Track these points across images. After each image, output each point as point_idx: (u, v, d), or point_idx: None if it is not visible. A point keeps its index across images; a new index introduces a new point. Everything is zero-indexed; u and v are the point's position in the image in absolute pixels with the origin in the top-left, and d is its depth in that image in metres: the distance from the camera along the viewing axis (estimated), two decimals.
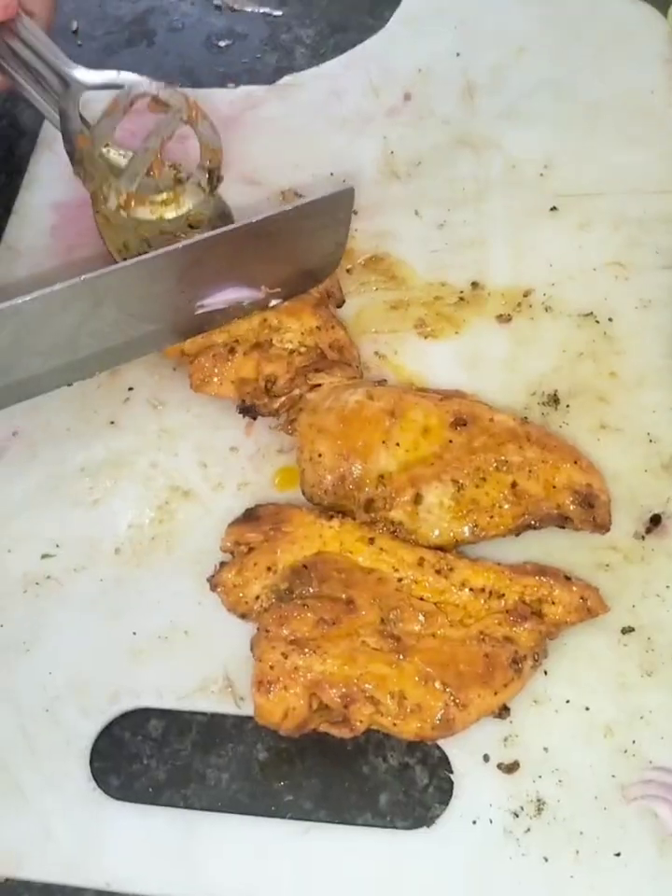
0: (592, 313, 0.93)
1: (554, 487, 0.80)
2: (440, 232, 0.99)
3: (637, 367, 0.89)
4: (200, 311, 0.87)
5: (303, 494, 0.83)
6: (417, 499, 0.79)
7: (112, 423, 0.92)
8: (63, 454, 0.90)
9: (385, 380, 0.90)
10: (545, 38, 1.11)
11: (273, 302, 0.89)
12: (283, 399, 0.86)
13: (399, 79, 1.10)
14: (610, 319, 0.92)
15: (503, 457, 0.80)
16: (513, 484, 0.79)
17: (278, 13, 1.23)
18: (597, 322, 0.92)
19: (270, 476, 0.88)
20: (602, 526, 0.79)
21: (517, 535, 0.80)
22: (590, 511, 0.79)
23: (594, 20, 1.11)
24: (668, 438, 0.85)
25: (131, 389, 0.93)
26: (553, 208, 0.99)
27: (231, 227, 0.82)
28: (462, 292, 0.95)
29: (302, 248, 0.88)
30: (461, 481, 0.79)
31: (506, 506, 0.79)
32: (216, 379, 0.87)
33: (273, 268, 0.86)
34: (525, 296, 0.94)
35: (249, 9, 1.23)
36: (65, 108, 0.89)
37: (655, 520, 0.82)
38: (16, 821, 0.75)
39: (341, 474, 0.80)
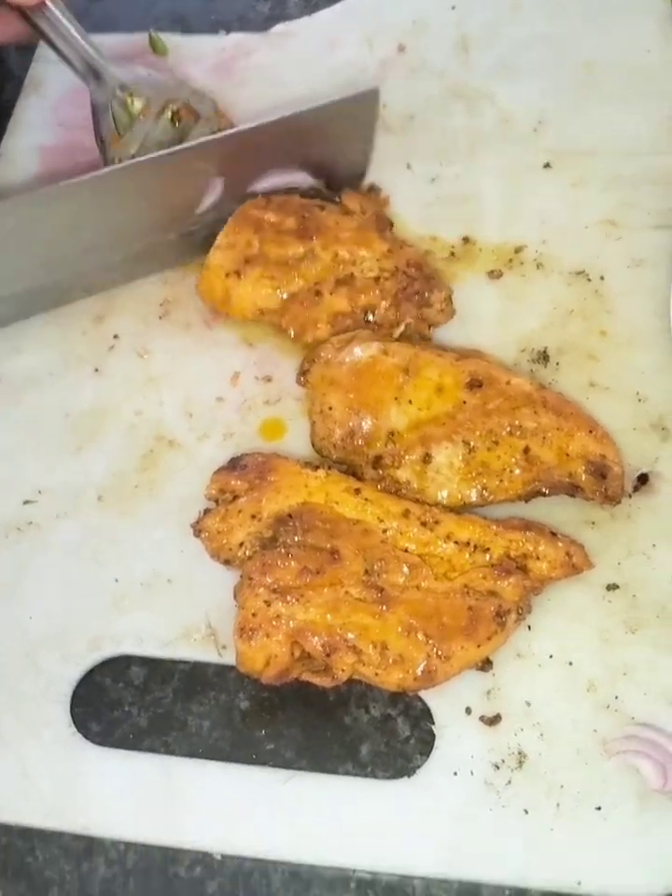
0: (583, 271, 0.92)
1: (568, 455, 0.79)
2: (432, 186, 0.98)
3: (627, 326, 0.89)
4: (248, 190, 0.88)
5: (312, 446, 0.82)
6: (426, 459, 0.78)
7: (97, 370, 0.90)
8: (47, 400, 0.89)
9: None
10: None
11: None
12: (385, 321, 0.86)
13: (394, 31, 1.09)
14: (602, 278, 0.92)
15: (517, 422, 0.79)
16: (526, 450, 0.78)
17: None
18: (589, 280, 0.92)
19: (256, 426, 0.87)
20: (613, 499, 0.79)
21: (526, 501, 0.79)
22: (602, 482, 0.78)
23: None
24: (657, 397, 0.85)
25: (116, 337, 0.92)
26: (547, 165, 0.99)
27: (264, 121, 0.83)
28: (453, 247, 0.95)
29: (332, 147, 0.89)
30: (472, 443, 0.78)
31: (517, 471, 0.78)
32: (313, 324, 0.87)
33: (307, 162, 0.88)
34: (517, 252, 0.94)
35: None
36: (99, 105, 0.89)
37: (643, 479, 0.82)
38: None
39: (350, 429, 0.80)
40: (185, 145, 0.84)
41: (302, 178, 0.90)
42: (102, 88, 0.89)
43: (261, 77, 1.06)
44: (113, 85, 0.89)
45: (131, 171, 0.83)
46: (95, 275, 0.90)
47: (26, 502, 0.84)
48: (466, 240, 0.95)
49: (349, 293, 0.87)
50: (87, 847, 0.72)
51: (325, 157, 0.89)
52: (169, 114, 0.89)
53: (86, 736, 0.75)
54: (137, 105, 0.89)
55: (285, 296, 0.87)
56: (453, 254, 0.94)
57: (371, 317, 0.86)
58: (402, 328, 0.85)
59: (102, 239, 0.85)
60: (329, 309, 0.86)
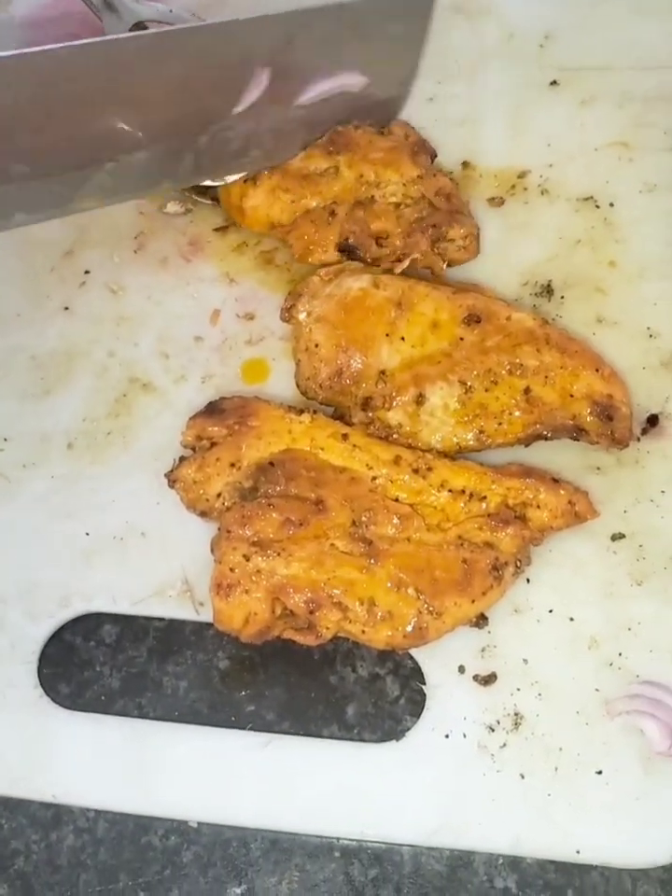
0: (591, 197, 0.87)
1: (572, 396, 0.74)
2: (428, 107, 0.92)
3: (638, 256, 0.84)
4: (298, 111, 0.82)
5: (297, 388, 0.78)
6: (420, 400, 0.74)
7: (66, 308, 0.86)
8: (13, 340, 0.85)
9: None
10: None
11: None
12: (394, 249, 0.81)
13: None
14: (611, 204, 0.86)
15: (518, 360, 0.75)
16: (527, 390, 0.74)
17: None
18: (597, 207, 0.86)
19: (236, 368, 0.83)
20: (620, 442, 0.74)
21: (526, 445, 0.76)
22: (608, 423, 0.74)
23: None
24: (669, 333, 0.81)
25: (87, 272, 0.87)
26: (554, 83, 0.92)
27: (316, 5, 0.77)
28: (451, 173, 0.89)
29: (384, 47, 0.83)
30: (470, 383, 0.74)
31: (517, 413, 0.74)
32: (320, 246, 0.82)
33: (355, 63, 0.82)
34: (520, 177, 0.88)
35: None
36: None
37: (652, 420, 0.78)
38: None
39: (338, 367, 0.76)
40: (232, 19, 0.74)
41: (354, 80, 0.83)
42: (117, 22, 0.83)
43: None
44: (129, 20, 0.83)
45: (162, 39, 0.72)
46: (103, 176, 0.80)
47: None
48: (465, 165, 0.89)
49: (364, 217, 0.82)
50: (55, 816, 0.71)
51: (374, 57, 0.83)
52: None
53: (54, 699, 0.73)
54: None
55: (298, 212, 0.83)
56: (451, 180, 0.88)
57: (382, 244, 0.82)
58: (406, 263, 0.80)
59: (121, 124, 0.76)
60: (339, 233, 0.81)
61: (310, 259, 0.82)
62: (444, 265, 0.82)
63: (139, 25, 0.83)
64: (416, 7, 0.82)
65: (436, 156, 0.88)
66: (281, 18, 0.75)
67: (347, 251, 0.81)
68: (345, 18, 0.78)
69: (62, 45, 0.67)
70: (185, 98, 0.76)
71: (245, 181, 0.84)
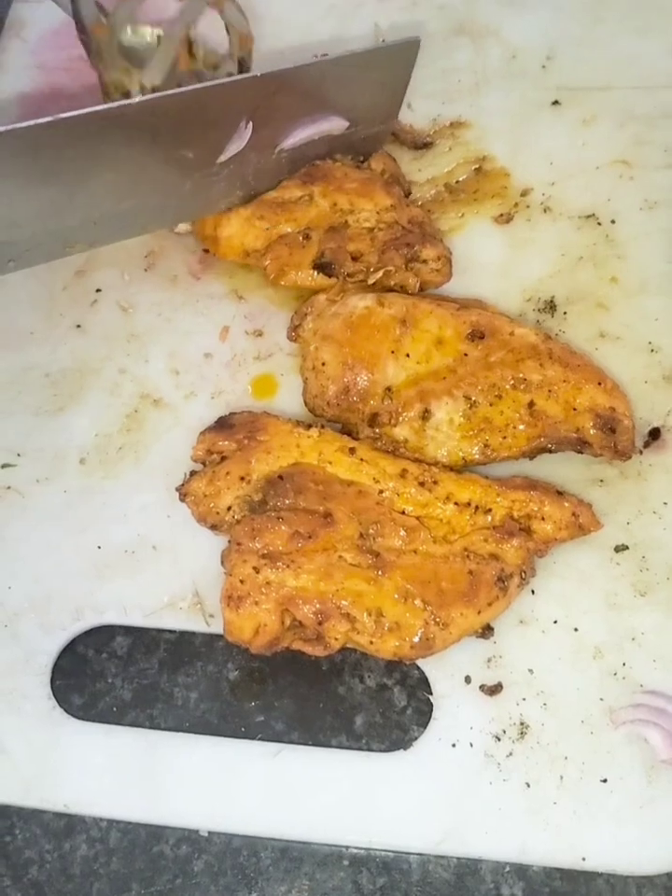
0: (593, 214, 0.88)
1: (575, 409, 0.75)
2: (433, 127, 0.93)
3: (639, 272, 0.85)
4: (280, 154, 0.84)
5: (305, 405, 0.79)
6: (425, 415, 0.75)
7: (78, 326, 0.87)
8: (26, 358, 0.86)
9: None
10: None
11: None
12: (368, 265, 0.81)
13: None
14: (613, 221, 0.87)
15: (521, 375, 0.75)
16: (531, 404, 0.75)
17: None
18: (599, 224, 0.87)
19: (245, 384, 0.83)
20: (623, 453, 0.75)
21: (531, 458, 0.76)
22: (611, 436, 0.75)
23: None
24: (670, 347, 0.81)
25: (99, 291, 0.88)
26: (555, 102, 0.94)
27: (301, 64, 0.78)
28: (460, 181, 0.90)
29: (366, 94, 0.84)
30: (474, 397, 0.75)
31: (521, 427, 0.75)
32: (294, 267, 0.82)
33: (337, 109, 0.84)
34: (523, 195, 0.89)
35: None
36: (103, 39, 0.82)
37: (654, 434, 0.78)
38: None
39: (345, 385, 0.76)
40: (216, 81, 0.77)
41: (336, 124, 0.85)
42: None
43: (257, 15, 1.00)
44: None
45: (150, 105, 0.74)
46: (91, 227, 0.83)
47: (5, 466, 0.81)
48: (476, 173, 0.91)
49: (338, 240, 0.82)
50: (68, 826, 0.71)
51: (357, 104, 0.84)
52: (189, 42, 0.83)
53: (67, 710, 0.73)
54: (155, 33, 0.82)
55: (272, 238, 0.83)
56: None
57: (348, 269, 0.82)
58: (380, 274, 0.81)
59: (108, 183, 0.78)
60: (313, 256, 0.82)
61: (283, 281, 0.83)
62: (417, 284, 0.82)
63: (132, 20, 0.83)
64: (400, 57, 0.83)
65: (410, 192, 0.89)
66: (267, 77, 0.76)
67: (322, 268, 0.82)
68: (330, 71, 0.79)
69: (55, 116, 0.69)
70: (171, 154, 0.78)
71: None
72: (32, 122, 0.69)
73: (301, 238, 0.82)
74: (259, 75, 0.76)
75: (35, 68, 0.90)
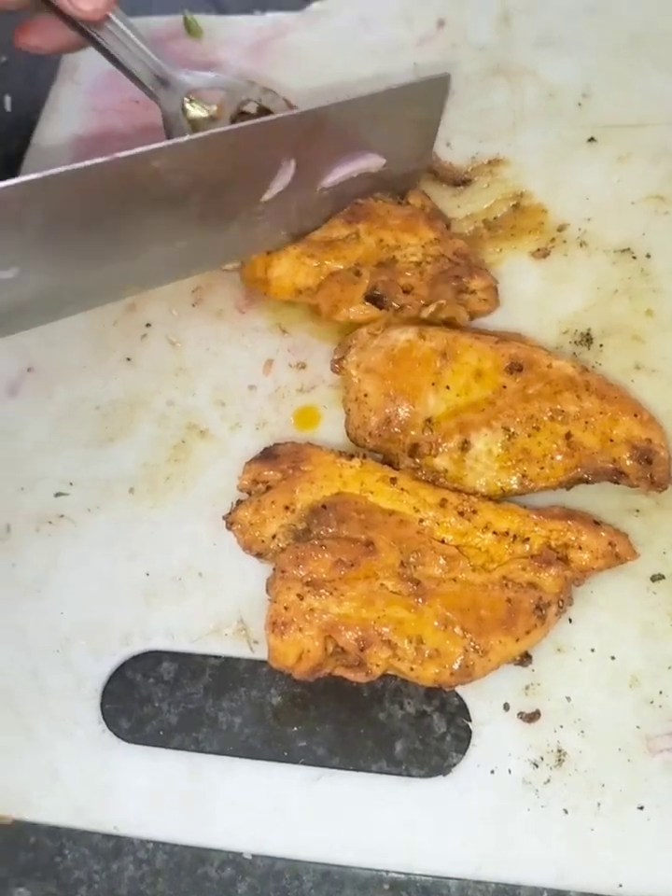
0: (628, 248, 0.89)
1: (611, 441, 0.76)
2: (471, 165, 0.95)
3: None
4: (322, 192, 0.86)
5: (348, 435, 0.81)
6: (465, 446, 0.76)
7: (128, 360, 0.90)
8: (79, 391, 0.89)
9: None
10: None
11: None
12: (419, 298, 0.83)
13: (433, 5, 1.05)
14: (648, 255, 0.88)
15: (559, 406, 0.76)
16: (568, 435, 0.76)
17: None
18: (634, 258, 0.88)
19: (289, 416, 0.85)
20: (659, 484, 0.75)
21: (568, 488, 0.77)
22: (647, 467, 0.75)
23: None
24: None
25: (148, 326, 0.91)
26: (591, 139, 0.95)
27: (338, 101, 0.80)
28: (497, 217, 0.92)
29: (400, 131, 0.86)
30: (513, 429, 0.76)
31: (558, 457, 0.76)
32: (347, 303, 0.84)
33: (372, 146, 0.86)
34: (560, 231, 0.91)
35: None
36: (169, 112, 0.86)
37: None
38: (24, 763, 0.74)
39: (386, 416, 0.78)
40: (259, 120, 0.80)
41: (373, 161, 0.87)
42: (171, 96, 0.85)
43: (298, 57, 1.04)
44: (182, 92, 0.85)
45: (195, 145, 0.76)
46: (142, 270, 0.86)
47: (57, 495, 0.84)
48: (514, 208, 0.92)
49: (389, 274, 0.84)
50: (116, 847, 0.72)
51: (392, 140, 0.86)
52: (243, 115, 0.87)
53: (116, 734, 0.75)
54: (211, 109, 0.86)
55: (323, 275, 0.86)
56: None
57: (400, 302, 0.84)
58: (433, 307, 0.83)
59: (159, 224, 0.80)
60: (364, 289, 0.84)
61: (337, 316, 0.84)
62: (467, 316, 0.84)
63: (193, 93, 0.85)
64: (433, 94, 0.85)
65: (450, 226, 0.91)
66: (307, 114, 0.79)
67: (375, 300, 0.83)
68: (365, 108, 0.81)
69: (107, 158, 0.71)
70: (217, 194, 0.80)
71: (268, 253, 0.87)
72: (90, 162, 0.70)
73: (352, 274, 0.84)
74: (298, 112, 0.79)
75: (90, 111, 0.93)
